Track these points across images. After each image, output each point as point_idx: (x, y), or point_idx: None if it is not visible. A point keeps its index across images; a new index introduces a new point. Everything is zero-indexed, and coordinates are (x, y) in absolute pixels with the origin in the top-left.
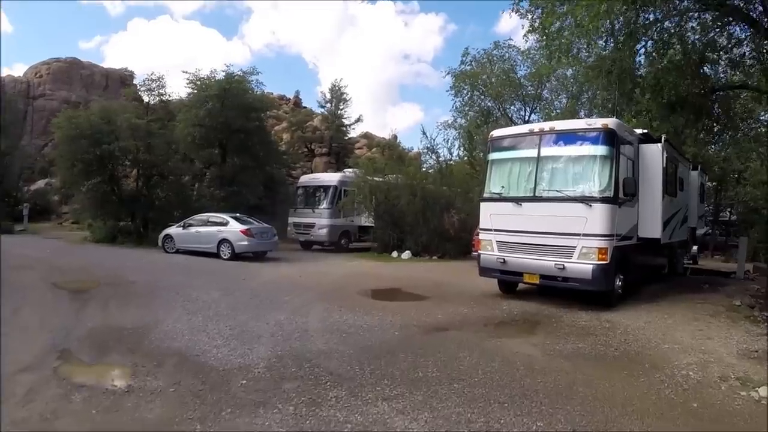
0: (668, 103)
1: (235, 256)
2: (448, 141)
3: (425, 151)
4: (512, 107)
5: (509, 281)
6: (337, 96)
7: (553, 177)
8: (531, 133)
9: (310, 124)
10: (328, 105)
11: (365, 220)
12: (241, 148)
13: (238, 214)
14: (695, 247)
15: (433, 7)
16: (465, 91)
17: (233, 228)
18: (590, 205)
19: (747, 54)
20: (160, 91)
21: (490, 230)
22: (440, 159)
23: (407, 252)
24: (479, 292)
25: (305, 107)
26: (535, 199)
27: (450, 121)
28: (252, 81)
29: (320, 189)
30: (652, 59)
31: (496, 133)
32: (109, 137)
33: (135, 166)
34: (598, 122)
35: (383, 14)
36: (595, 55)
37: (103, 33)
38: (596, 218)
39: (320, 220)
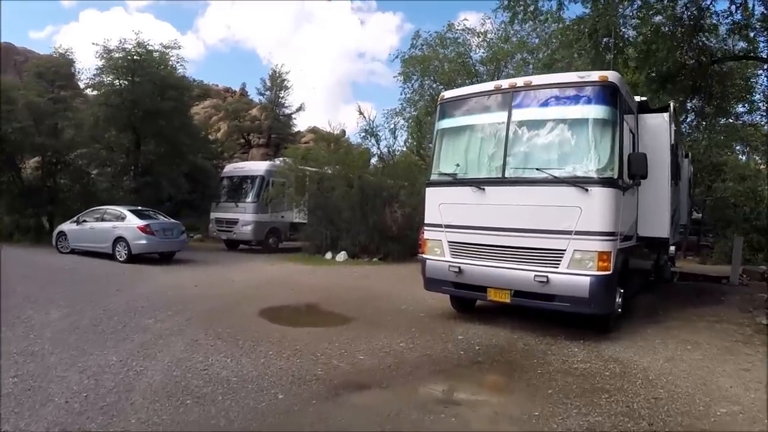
0: (658, 76)
1: (133, 258)
2: (394, 129)
3: (363, 134)
4: None
5: (467, 298)
6: (278, 83)
7: (530, 151)
8: (499, 90)
9: (249, 114)
10: (268, 93)
11: (297, 216)
12: (157, 134)
13: (139, 208)
14: (672, 248)
15: (391, 6)
16: (415, 78)
17: (130, 224)
18: (587, 190)
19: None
20: (67, 66)
21: (440, 227)
22: (382, 145)
23: (342, 253)
24: (425, 310)
25: (251, 100)
26: (504, 181)
27: (398, 109)
28: (172, 56)
29: (246, 180)
30: (636, 25)
31: (449, 93)
32: (7, 117)
33: (36, 152)
34: (594, 75)
35: (339, 12)
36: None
37: (55, 23)
38: (595, 209)
39: (244, 216)
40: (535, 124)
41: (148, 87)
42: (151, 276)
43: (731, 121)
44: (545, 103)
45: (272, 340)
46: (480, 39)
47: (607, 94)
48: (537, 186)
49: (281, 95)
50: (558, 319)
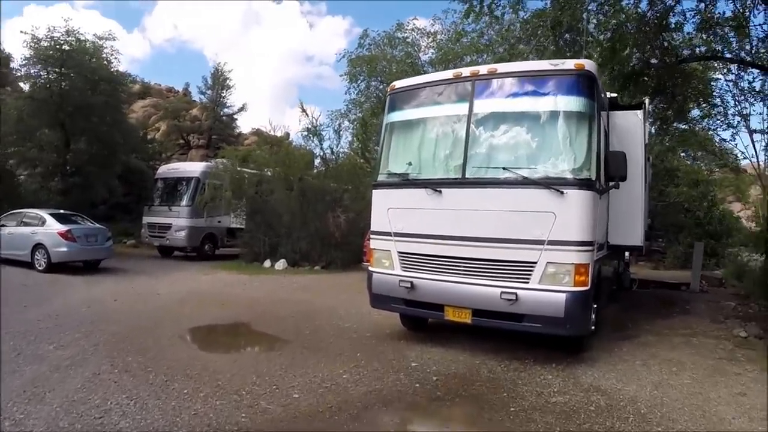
0: (620, 75)
1: (53, 267)
2: (338, 129)
3: (305, 134)
4: None
5: (420, 317)
6: (220, 82)
7: (495, 148)
8: (458, 79)
9: (190, 113)
10: (210, 92)
11: (235, 221)
12: (88, 131)
13: (62, 211)
14: (627, 253)
15: (340, 10)
16: (361, 78)
17: (50, 229)
18: (562, 193)
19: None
20: None
21: (389, 235)
22: (325, 146)
23: (282, 261)
24: (372, 329)
25: (194, 100)
26: (465, 183)
27: (343, 111)
28: (105, 48)
29: (181, 182)
30: (599, 21)
31: (401, 83)
32: None
33: None
34: (569, 62)
35: (288, 14)
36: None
37: None
38: (571, 214)
39: (178, 221)
40: (501, 118)
41: (78, 80)
42: (70, 288)
43: (687, 126)
44: (512, 94)
45: (190, 373)
46: (430, 39)
47: (584, 84)
48: (503, 188)
49: (223, 94)
50: (522, 338)
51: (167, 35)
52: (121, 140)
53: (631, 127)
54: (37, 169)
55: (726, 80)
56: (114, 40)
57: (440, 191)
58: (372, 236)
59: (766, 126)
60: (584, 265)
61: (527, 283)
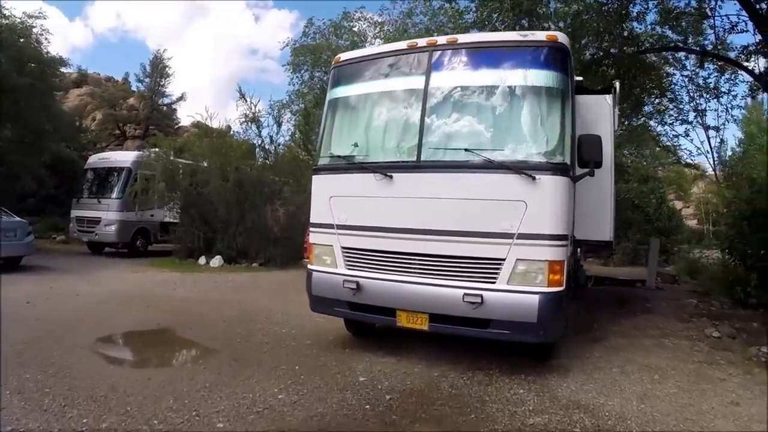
0: (579, 63)
1: None
2: (278, 116)
3: (243, 119)
4: None
5: (367, 323)
6: (159, 70)
7: (455, 127)
8: (414, 49)
9: (127, 103)
10: (148, 80)
11: (169, 215)
12: (12, 116)
13: None
14: (578, 249)
15: (287, 3)
16: (305, 68)
17: None
18: (534, 179)
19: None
20: None
21: (331, 227)
22: (264, 133)
23: (218, 258)
24: (312, 335)
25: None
26: (420, 167)
27: (285, 101)
28: (34, 26)
29: (112, 172)
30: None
31: (347, 54)
32: None
33: None
34: (540, 34)
35: (234, 6)
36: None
37: None
38: (545, 204)
39: (107, 214)
40: (462, 94)
41: (1, 59)
42: None
43: (642, 120)
44: (475, 67)
45: (95, 395)
46: (377, 29)
47: (556, 57)
48: (464, 173)
49: (162, 83)
50: (483, 344)
51: (110, 24)
52: (49, 127)
53: (599, 113)
54: None
55: (681, 75)
56: (44, 18)
57: (391, 176)
58: (312, 229)
59: (720, 123)
60: (559, 262)
61: (494, 283)
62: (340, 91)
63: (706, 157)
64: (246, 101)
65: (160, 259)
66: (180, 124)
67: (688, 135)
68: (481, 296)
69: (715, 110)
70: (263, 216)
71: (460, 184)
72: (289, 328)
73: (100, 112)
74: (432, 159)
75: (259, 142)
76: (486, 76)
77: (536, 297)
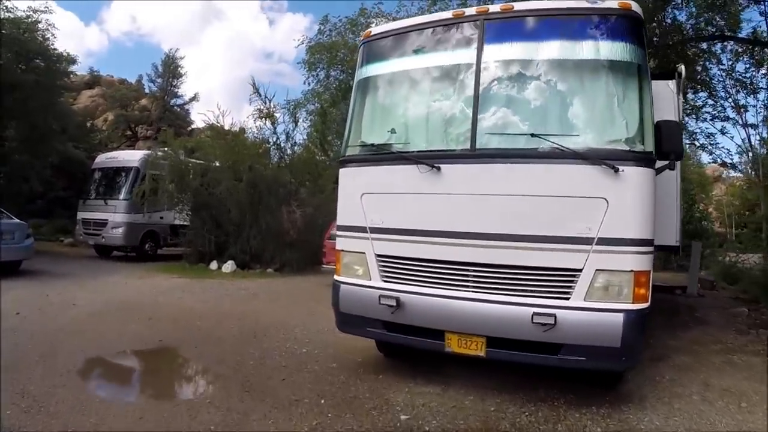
0: None
1: None
2: (294, 111)
3: (255, 114)
4: None
5: (406, 345)
6: (171, 70)
7: (516, 108)
8: (461, 18)
9: (139, 103)
10: (160, 80)
11: (179, 218)
12: (19, 114)
13: None
14: None
15: (301, 7)
16: (321, 67)
17: None
18: (616, 171)
19: None
20: None
21: (363, 231)
22: (279, 129)
23: (230, 263)
24: (337, 356)
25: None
26: (475, 156)
27: (301, 100)
28: (40, 21)
29: (120, 173)
30: None
31: (380, 28)
32: None
33: None
34: (611, 1)
35: (249, 11)
36: None
37: None
38: (630, 201)
39: (114, 216)
40: (520, 69)
41: (5, 54)
42: None
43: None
44: (536, 38)
45: None
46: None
47: (632, 28)
48: (531, 164)
49: (174, 83)
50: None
51: (125, 28)
52: (57, 126)
53: (661, 101)
54: None
55: (719, 69)
56: (50, 13)
57: (438, 168)
58: (339, 233)
59: (761, 119)
60: (645, 273)
61: (568, 299)
62: (372, 70)
63: (747, 155)
64: (260, 96)
65: (170, 264)
66: (193, 126)
67: (725, 132)
68: (555, 316)
69: (754, 107)
70: (278, 218)
71: (525, 178)
72: (310, 347)
73: (111, 112)
74: (489, 146)
75: (274, 139)
76: (549, 48)
77: (620, 316)
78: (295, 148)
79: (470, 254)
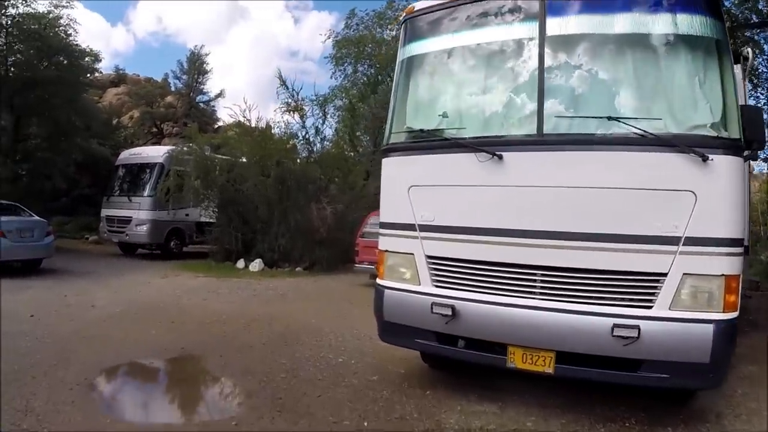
0: None
1: None
2: (323, 103)
3: (283, 107)
4: None
5: (461, 360)
6: (196, 67)
7: (587, 89)
8: None
9: (164, 101)
10: (185, 77)
11: (205, 214)
12: (39, 110)
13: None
14: None
15: (326, 6)
16: (348, 62)
17: None
18: (705, 159)
19: None
20: None
21: (411, 228)
22: (308, 123)
23: (258, 261)
24: (376, 366)
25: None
26: (541, 142)
27: (328, 96)
28: (62, 16)
29: (144, 169)
30: None
31: (425, 3)
32: None
33: None
34: None
35: (274, 9)
36: None
37: None
38: (721, 194)
39: (138, 213)
40: (588, 45)
41: (27, 49)
42: None
43: None
44: (604, 9)
45: None
46: None
47: (711, 0)
48: (608, 151)
49: (199, 80)
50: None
51: (151, 28)
52: (80, 123)
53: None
54: None
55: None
56: (72, 8)
57: (500, 156)
58: (382, 231)
59: None
60: (736, 278)
61: (650, 308)
62: (417, 48)
63: None
64: (287, 88)
65: (195, 262)
66: (219, 124)
67: None
68: (639, 328)
69: None
70: (308, 215)
71: (600, 167)
72: (346, 356)
73: (137, 110)
74: (559, 132)
75: (303, 133)
76: (619, 21)
77: (710, 327)
78: (324, 143)
79: (537, 256)
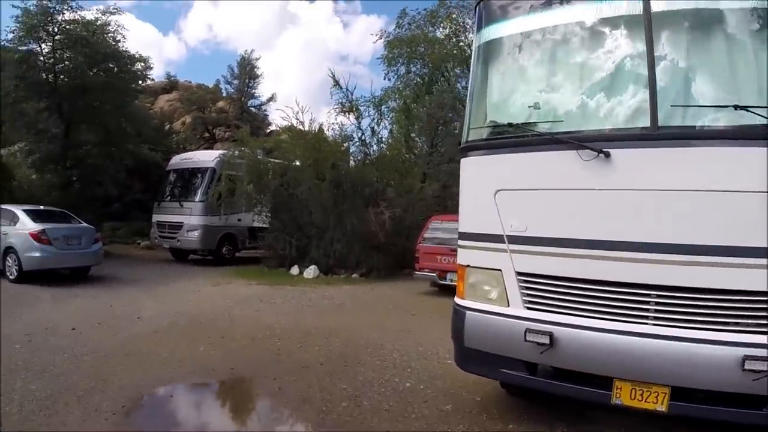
0: None
1: (26, 275)
2: (379, 102)
3: (337, 109)
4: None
5: (555, 393)
6: (247, 71)
7: (706, 74)
8: None
9: (216, 106)
10: (236, 81)
11: (258, 220)
12: (89, 116)
13: (41, 207)
14: None
15: (375, 9)
16: (401, 62)
17: (22, 229)
18: None
19: None
20: None
21: (497, 240)
22: (364, 124)
23: (312, 268)
24: (448, 390)
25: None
26: (657, 137)
27: (381, 96)
28: (110, 22)
29: (195, 174)
30: None
31: None
32: None
33: None
34: None
35: (323, 14)
36: None
37: None
38: None
39: (190, 219)
40: (704, 21)
41: (76, 56)
42: (26, 306)
43: None
44: None
45: None
46: None
47: None
48: (740, 148)
49: (251, 84)
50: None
51: (202, 36)
52: (131, 129)
53: None
54: (28, 159)
55: None
56: (120, 14)
57: (607, 154)
58: (462, 242)
59: None
60: None
61: None
62: (499, 30)
63: None
64: (341, 88)
65: (248, 268)
66: (272, 128)
67: None
68: None
69: None
70: (365, 219)
71: (731, 168)
72: (413, 380)
73: (189, 115)
74: (677, 124)
75: (359, 135)
76: None
77: None
78: (381, 144)
79: (652, 273)
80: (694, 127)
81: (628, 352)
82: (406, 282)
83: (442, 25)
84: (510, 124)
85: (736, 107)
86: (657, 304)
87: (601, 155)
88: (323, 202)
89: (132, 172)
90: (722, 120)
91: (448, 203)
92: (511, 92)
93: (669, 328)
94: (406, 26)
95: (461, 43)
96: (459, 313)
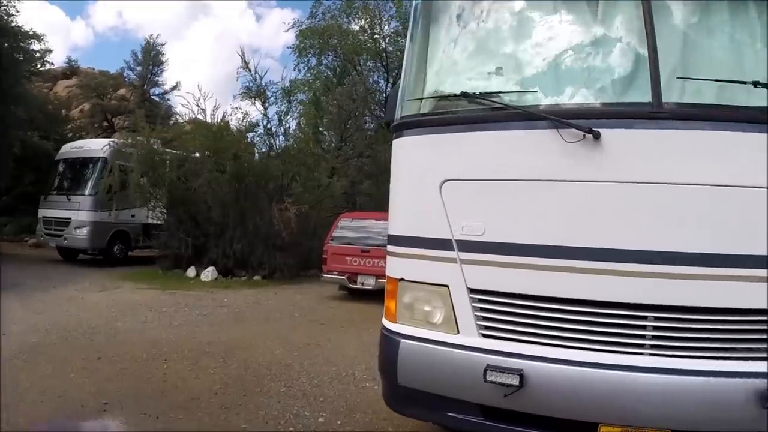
0: None
1: None
2: (288, 91)
3: (243, 93)
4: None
5: None
6: (152, 57)
7: (714, 44)
8: None
9: (117, 93)
10: (139, 68)
11: (153, 216)
12: None
13: None
14: None
15: (289, 2)
16: (311, 53)
17: None
18: None
19: None
20: None
21: (443, 247)
22: (271, 112)
23: (211, 269)
24: (368, 426)
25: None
26: (660, 116)
27: (290, 88)
28: None
29: (86, 164)
30: None
31: None
32: None
33: None
34: None
35: (235, 5)
36: None
37: None
38: None
39: (78, 214)
40: None
41: None
42: None
43: None
44: None
45: None
46: (393, 10)
47: None
48: (760, 133)
49: (154, 71)
50: None
51: (111, 23)
52: (21, 114)
53: None
54: None
55: None
56: None
57: (598, 135)
58: (392, 248)
59: None
60: None
61: None
62: None
63: None
64: (249, 71)
65: (141, 269)
66: (176, 119)
67: None
68: None
69: None
70: (268, 217)
71: (751, 157)
72: (329, 412)
73: (87, 102)
74: (687, 101)
75: (265, 123)
76: None
77: None
78: (287, 136)
79: (651, 291)
80: (706, 105)
81: (618, 391)
82: (313, 285)
83: (357, 16)
84: (464, 94)
85: (755, 84)
86: (655, 329)
87: (589, 136)
88: (223, 197)
89: (21, 161)
90: (744, 99)
91: (357, 200)
92: (461, 54)
93: (669, 358)
94: (320, 16)
95: (376, 35)
96: (390, 341)
